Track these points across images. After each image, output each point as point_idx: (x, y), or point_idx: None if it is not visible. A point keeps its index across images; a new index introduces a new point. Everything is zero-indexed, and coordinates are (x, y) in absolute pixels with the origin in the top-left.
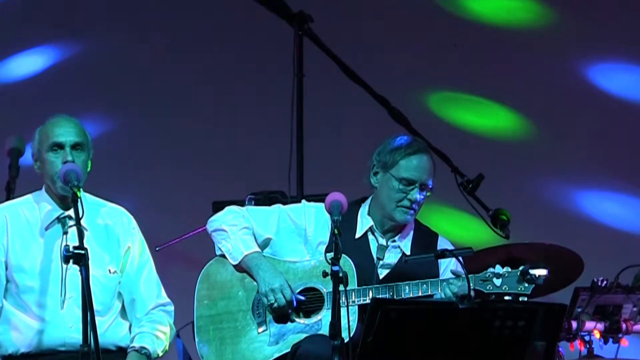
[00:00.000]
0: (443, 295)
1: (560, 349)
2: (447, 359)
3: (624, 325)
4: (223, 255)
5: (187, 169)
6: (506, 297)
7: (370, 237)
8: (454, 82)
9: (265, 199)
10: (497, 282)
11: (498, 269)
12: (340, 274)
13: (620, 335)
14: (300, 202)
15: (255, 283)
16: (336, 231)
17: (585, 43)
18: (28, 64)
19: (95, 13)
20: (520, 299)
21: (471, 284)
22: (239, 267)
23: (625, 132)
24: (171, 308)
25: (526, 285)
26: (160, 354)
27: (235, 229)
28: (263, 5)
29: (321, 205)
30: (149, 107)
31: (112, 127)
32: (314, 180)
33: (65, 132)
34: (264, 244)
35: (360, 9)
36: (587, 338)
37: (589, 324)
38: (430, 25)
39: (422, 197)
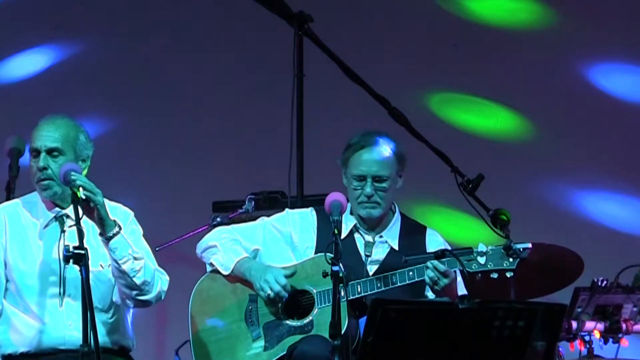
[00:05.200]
0: (426, 279)
1: (560, 349)
2: (447, 359)
3: (624, 325)
4: (213, 271)
5: (187, 169)
6: (492, 275)
7: (356, 235)
8: (454, 82)
9: (265, 199)
10: (482, 260)
11: (481, 247)
12: (341, 274)
13: (620, 335)
14: (302, 207)
15: (246, 292)
16: (336, 231)
17: (585, 43)
18: (28, 64)
19: (95, 13)
20: (507, 274)
21: (457, 267)
22: (231, 277)
23: (625, 132)
24: (165, 277)
25: (511, 260)
26: (137, 271)
27: (224, 242)
28: (263, 5)
29: (304, 211)
30: (149, 107)
31: (112, 127)
32: (314, 180)
33: (42, 136)
34: (253, 256)
35: (360, 9)
36: (587, 338)
37: (589, 324)
38: (430, 26)
39: (381, 189)
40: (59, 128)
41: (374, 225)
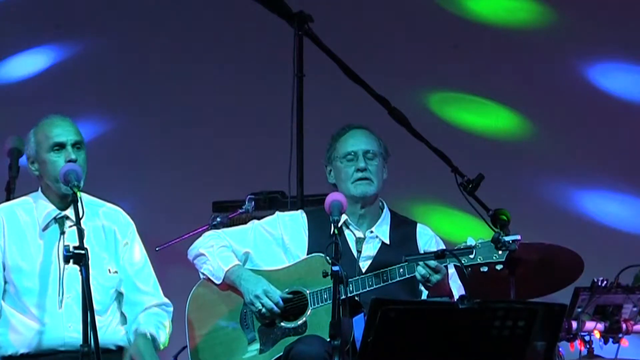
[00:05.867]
0: (417, 276)
1: (560, 349)
2: (447, 359)
3: (624, 325)
4: (207, 279)
5: (187, 169)
6: (482, 269)
7: (347, 231)
8: (454, 82)
9: (265, 199)
10: (471, 254)
11: (470, 241)
12: (341, 274)
13: (620, 335)
14: (295, 209)
15: (240, 297)
16: (336, 231)
17: (585, 43)
18: (28, 64)
19: (95, 13)
20: (497, 267)
21: (447, 261)
22: (223, 286)
23: (625, 132)
24: (170, 309)
25: (500, 252)
26: (161, 347)
27: (213, 250)
28: (263, 5)
29: (295, 213)
30: (149, 107)
31: (111, 127)
32: (314, 180)
33: (65, 131)
34: (244, 259)
35: (360, 9)
36: (587, 338)
37: (589, 324)
38: (431, 26)
39: (373, 164)
40: (73, 124)
41: (364, 216)
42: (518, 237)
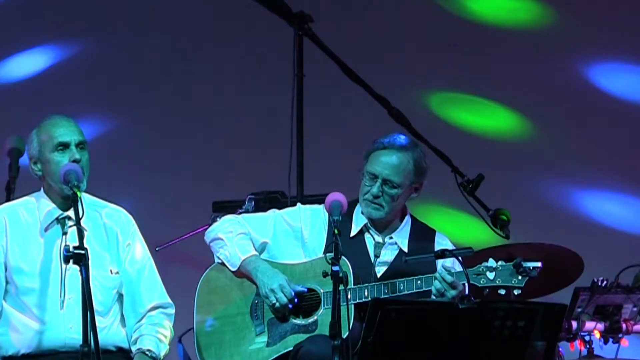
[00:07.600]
0: (433, 290)
1: (560, 349)
2: (447, 359)
3: (624, 325)
4: (222, 263)
5: (187, 169)
6: (500, 291)
7: (366, 235)
8: (454, 82)
9: (265, 199)
10: (490, 275)
11: (491, 262)
12: (341, 274)
13: (620, 335)
14: (296, 204)
15: (253, 286)
16: (336, 231)
17: (586, 43)
18: (28, 64)
19: (95, 13)
20: (515, 291)
21: (465, 280)
22: (238, 273)
23: (625, 132)
24: (172, 311)
25: (520, 278)
26: (162, 358)
27: (232, 236)
28: (263, 5)
29: (317, 207)
30: (149, 107)
31: (112, 127)
32: (314, 180)
33: (68, 131)
34: (261, 249)
35: (361, 9)
36: (587, 338)
37: (589, 324)
38: (430, 25)
39: (389, 194)
40: (76, 124)
41: (383, 225)
42: (539, 264)
